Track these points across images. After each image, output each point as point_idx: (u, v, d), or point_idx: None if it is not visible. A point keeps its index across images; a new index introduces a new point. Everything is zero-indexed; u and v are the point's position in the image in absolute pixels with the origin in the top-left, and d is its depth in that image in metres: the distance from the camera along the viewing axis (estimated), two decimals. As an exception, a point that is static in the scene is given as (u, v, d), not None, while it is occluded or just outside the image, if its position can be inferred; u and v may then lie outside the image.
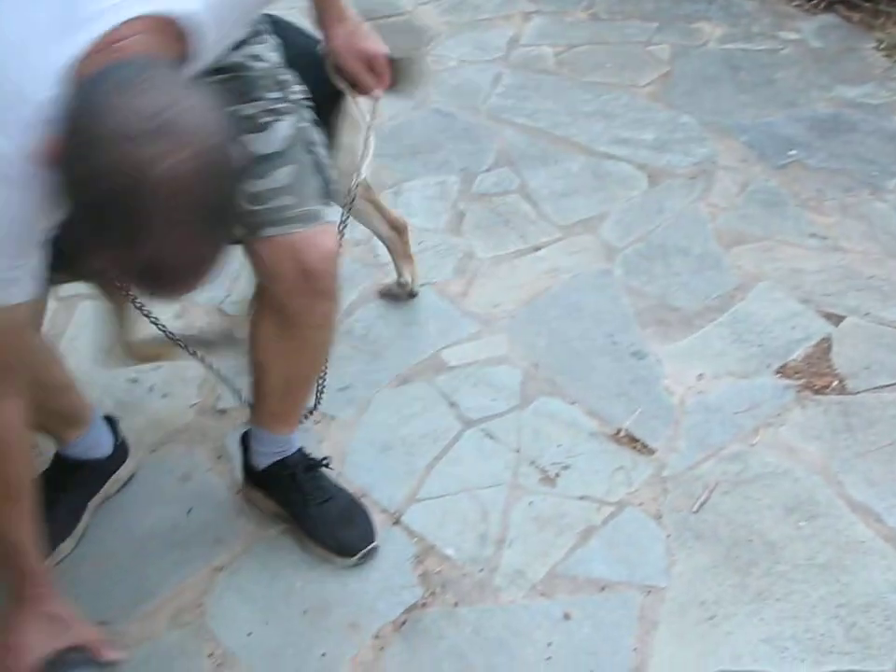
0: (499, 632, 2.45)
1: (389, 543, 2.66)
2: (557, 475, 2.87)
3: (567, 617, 2.48)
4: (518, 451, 2.95)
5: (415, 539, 2.69)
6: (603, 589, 2.55)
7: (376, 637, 2.45)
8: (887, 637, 2.42)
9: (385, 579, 2.59)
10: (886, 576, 2.57)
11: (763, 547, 2.65)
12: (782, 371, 3.22)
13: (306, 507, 2.63)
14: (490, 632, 2.45)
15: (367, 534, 2.65)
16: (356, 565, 2.61)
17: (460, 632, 2.45)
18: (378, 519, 2.70)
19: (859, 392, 3.14)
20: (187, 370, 3.14)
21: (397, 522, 2.73)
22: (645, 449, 2.95)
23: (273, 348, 2.39)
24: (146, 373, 3.19)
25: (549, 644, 2.42)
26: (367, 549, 2.62)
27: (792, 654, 2.39)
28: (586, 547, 2.66)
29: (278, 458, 2.64)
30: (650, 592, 2.54)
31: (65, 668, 1.99)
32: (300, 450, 2.68)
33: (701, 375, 3.22)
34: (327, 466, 2.70)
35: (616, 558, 2.63)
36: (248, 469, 2.72)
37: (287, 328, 2.33)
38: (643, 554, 2.64)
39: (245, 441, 2.69)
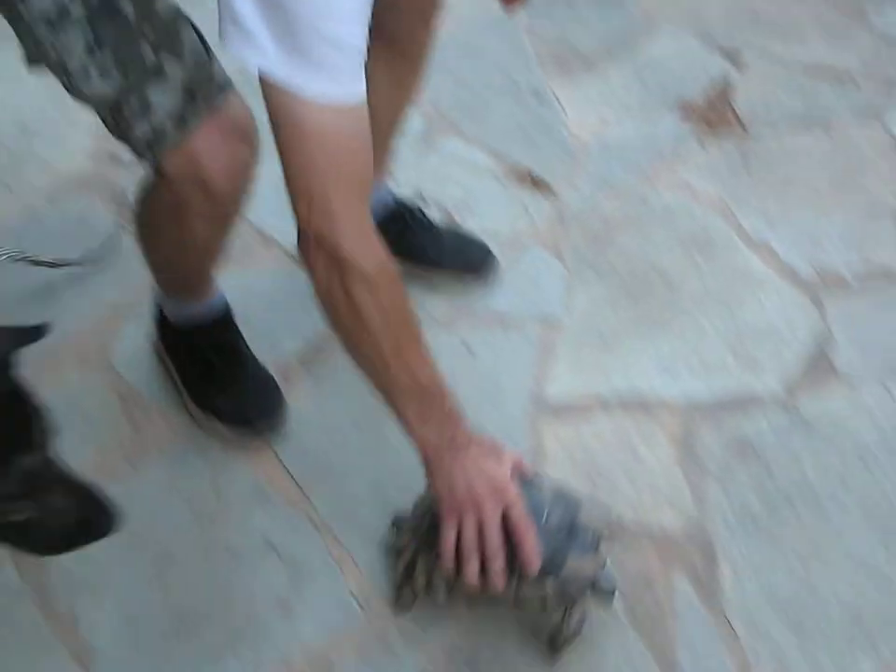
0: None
1: (293, 281, 2.65)
2: (460, 215, 2.87)
3: (468, 349, 2.52)
4: (420, 191, 2.93)
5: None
6: (503, 322, 2.59)
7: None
8: (773, 362, 2.52)
9: (285, 314, 2.58)
10: (775, 305, 2.65)
11: (659, 280, 2.71)
12: (683, 112, 3.23)
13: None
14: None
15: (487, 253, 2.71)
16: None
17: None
18: (283, 263, 2.68)
19: (757, 132, 3.17)
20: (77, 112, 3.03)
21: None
22: (546, 189, 2.96)
23: (384, 92, 2.27)
24: (33, 122, 3.08)
25: (451, 375, 2.46)
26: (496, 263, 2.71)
27: (685, 379, 2.48)
28: (487, 283, 2.68)
29: None
30: (548, 324, 2.59)
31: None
32: None
33: (602, 116, 3.22)
34: None
35: (516, 293, 2.66)
36: None
37: (398, 63, 2.31)
38: (543, 290, 2.68)
39: None
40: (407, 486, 2.08)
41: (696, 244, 2.80)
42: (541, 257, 2.76)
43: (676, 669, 1.97)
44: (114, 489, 2.10)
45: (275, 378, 2.38)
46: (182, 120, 1.68)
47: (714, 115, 3.21)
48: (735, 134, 3.16)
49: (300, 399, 2.40)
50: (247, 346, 2.40)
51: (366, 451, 2.30)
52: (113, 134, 1.76)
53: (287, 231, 1.79)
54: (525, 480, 1.94)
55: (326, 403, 2.40)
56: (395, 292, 1.74)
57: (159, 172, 1.79)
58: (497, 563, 1.79)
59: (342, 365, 2.38)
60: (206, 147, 1.72)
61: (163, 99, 1.66)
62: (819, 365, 2.52)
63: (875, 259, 2.79)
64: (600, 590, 1.89)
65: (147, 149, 1.72)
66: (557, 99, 3.28)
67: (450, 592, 1.95)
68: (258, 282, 2.65)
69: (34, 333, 1.37)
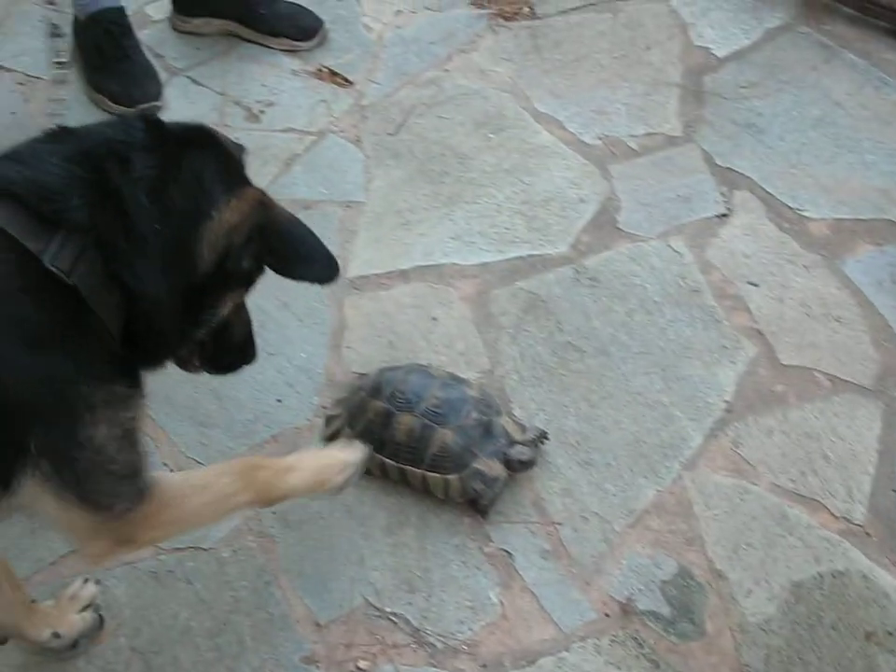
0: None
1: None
2: (262, 112, 2.96)
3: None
4: (223, 93, 3.01)
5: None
6: (307, 208, 2.69)
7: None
8: (563, 225, 2.67)
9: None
10: (564, 174, 2.80)
11: (454, 159, 2.84)
12: (476, 2, 3.35)
13: (258, 8, 3.13)
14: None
15: (317, 19, 3.20)
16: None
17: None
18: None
19: (547, 16, 3.31)
20: None
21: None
22: (345, 82, 3.07)
23: None
24: None
25: (256, 260, 2.56)
26: (323, 27, 3.19)
27: (479, 247, 2.62)
28: (289, 173, 2.79)
29: None
30: (349, 206, 2.70)
31: None
32: None
33: (398, 11, 3.32)
34: None
35: (318, 180, 2.77)
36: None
37: None
38: (343, 175, 2.79)
39: None
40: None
41: (489, 123, 2.93)
42: (341, 144, 2.87)
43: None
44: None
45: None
46: None
47: (505, 2, 3.33)
48: (526, 19, 3.28)
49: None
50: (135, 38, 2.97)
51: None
52: None
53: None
54: (455, 376, 2.20)
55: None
56: None
57: None
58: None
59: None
60: None
61: None
62: (605, 226, 2.68)
63: (658, 127, 2.95)
64: (515, 465, 2.11)
65: None
66: (355, -3, 3.37)
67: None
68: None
69: None
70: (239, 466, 1.73)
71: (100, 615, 1.95)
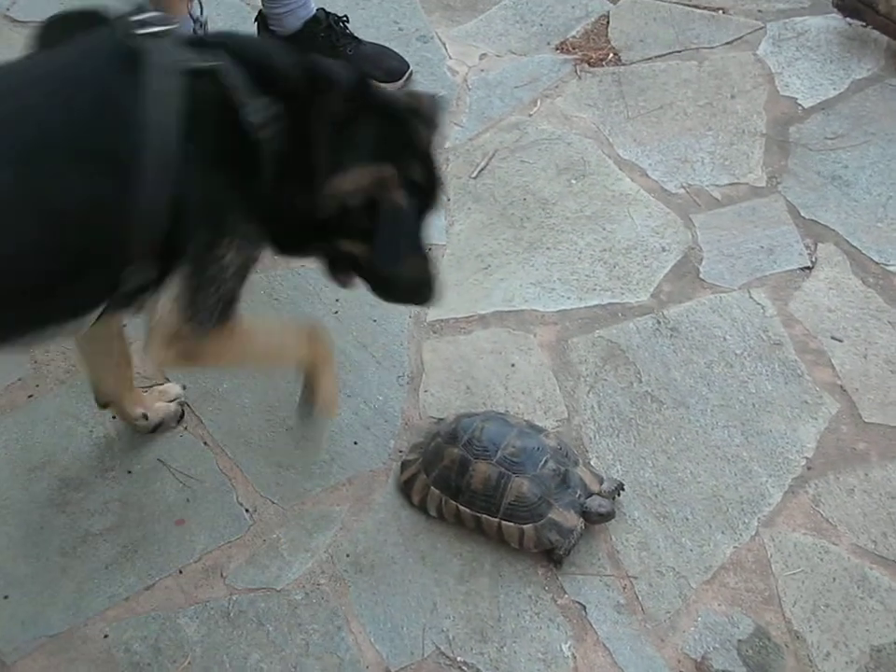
0: (291, 293, 2.60)
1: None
2: (345, 153, 2.97)
3: (352, 276, 2.63)
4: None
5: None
6: (387, 250, 2.69)
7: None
8: (644, 274, 2.65)
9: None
10: (646, 222, 2.79)
11: (536, 204, 2.83)
12: (561, 47, 3.36)
13: (344, 49, 3.18)
14: (282, 294, 2.60)
15: (403, 62, 3.22)
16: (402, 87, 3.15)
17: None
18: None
19: (632, 63, 3.30)
20: None
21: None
22: (428, 124, 3.07)
23: None
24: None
25: (336, 300, 2.58)
26: (409, 71, 3.20)
27: (559, 294, 2.61)
28: (371, 214, 2.79)
29: (308, 16, 3.16)
30: (429, 249, 2.69)
31: None
32: (321, 8, 3.19)
33: (483, 54, 3.34)
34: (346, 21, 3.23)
35: (399, 223, 2.77)
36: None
37: None
38: (425, 218, 2.78)
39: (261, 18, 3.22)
40: (292, 398, 2.22)
41: (571, 169, 2.93)
42: (423, 187, 2.87)
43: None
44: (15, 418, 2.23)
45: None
46: None
47: (591, 49, 3.33)
48: (611, 65, 3.28)
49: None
50: None
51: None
52: None
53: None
54: (533, 425, 2.20)
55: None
56: None
57: None
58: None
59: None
60: None
61: None
62: (686, 275, 2.66)
63: (742, 177, 2.93)
64: (592, 517, 2.10)
65: None
66: (441, 41, 3.38)
67: (438, 513, 2.15)
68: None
69: None
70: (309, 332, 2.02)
71: (182, 409, 2.33)
